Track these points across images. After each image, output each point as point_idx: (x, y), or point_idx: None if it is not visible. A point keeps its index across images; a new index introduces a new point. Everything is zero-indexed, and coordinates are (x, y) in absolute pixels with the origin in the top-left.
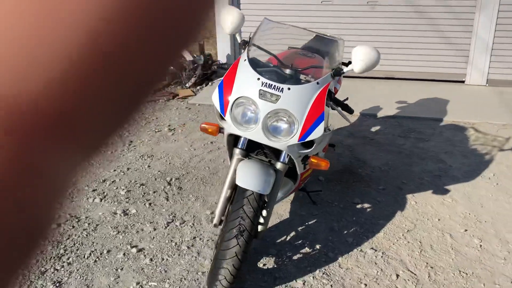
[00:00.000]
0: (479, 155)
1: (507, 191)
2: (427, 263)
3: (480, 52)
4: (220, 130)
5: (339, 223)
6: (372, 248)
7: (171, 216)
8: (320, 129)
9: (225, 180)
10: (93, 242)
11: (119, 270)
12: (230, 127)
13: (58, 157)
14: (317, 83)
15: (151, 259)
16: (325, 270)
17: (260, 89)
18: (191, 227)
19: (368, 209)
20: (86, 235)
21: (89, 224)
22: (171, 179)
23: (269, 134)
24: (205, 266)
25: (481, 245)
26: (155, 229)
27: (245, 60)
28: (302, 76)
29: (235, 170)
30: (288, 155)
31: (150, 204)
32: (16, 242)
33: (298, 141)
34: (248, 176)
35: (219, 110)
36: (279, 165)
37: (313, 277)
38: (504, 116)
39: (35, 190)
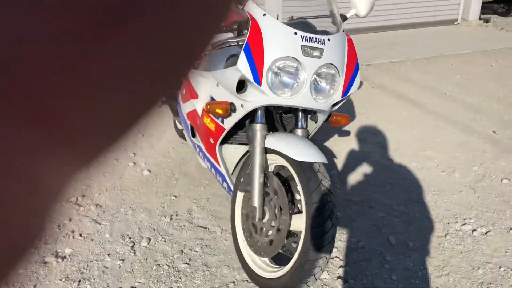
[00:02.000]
0: None
1: None
2: None
3: None
4: (231, 108)
5: None
6: None
7: None
8: (358, 80)
9: (254, 164)
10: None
11: None
12: (265, 97)
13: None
14: (343, 30)
15: None
16: None
17: (302, 45)
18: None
19: None
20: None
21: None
22: None
23: (315, 96)
24: None
25: None
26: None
27: (264, 14)
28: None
29: (263, 149)
30: (306, 118)
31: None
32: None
33: (341, 97)
34: (301, 148)
35: (251, 79)
36: (300, 132)
37: None
38: None
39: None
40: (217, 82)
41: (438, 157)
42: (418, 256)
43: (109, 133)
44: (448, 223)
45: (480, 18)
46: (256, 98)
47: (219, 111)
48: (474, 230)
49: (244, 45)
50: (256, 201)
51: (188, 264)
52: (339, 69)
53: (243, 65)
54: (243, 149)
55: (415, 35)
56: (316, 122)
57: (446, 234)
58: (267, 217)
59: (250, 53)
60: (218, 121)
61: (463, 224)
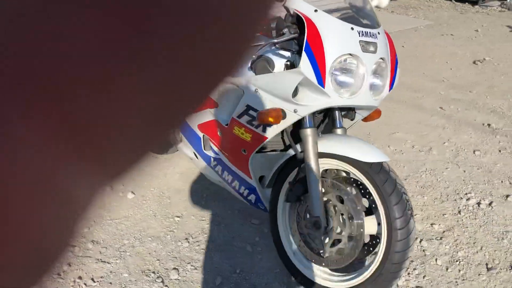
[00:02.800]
0: None
1: None
2: None
3: None
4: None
5: None
6: None
7: None
8: (398, 74)
9: (310, 171)
10: None
11: None
12: (327, 99)
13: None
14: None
15: None
16: None
17: (360, 40)
18: None
19: None
20: None
21: None
22: None
23: (372, 92)
24: None
25: None
26: None
27: (316, 10)
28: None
29: (317, 154)
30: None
31: None
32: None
33: (388, 91)
34: (364, 149)
35: (315, 81)
36: (339, 131)
37: None
38: None
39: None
40: (256, 88)
41: (410, 138)
42: (448, 238)
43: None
44: (455, 200)
45: None
46: (315, 101)
47: (271, 119)
48: (479, 203)
49: (304, 46)
50: (318, 210)
51: None
52: (388, 63)
53: (306, 68)
54: (275, 156)
55: None
56: (352, 119)
57: (459, 211)
58: (330, 225)
59: (312, 53)
60: (258, 130)
61: (468, 199)
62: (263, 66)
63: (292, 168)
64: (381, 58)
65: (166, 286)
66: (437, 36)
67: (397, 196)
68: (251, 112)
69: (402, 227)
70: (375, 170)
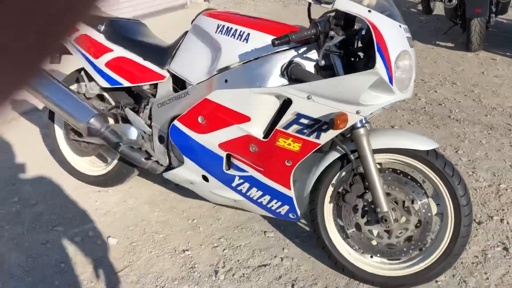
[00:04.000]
0: None
1: None
2: None
3: None
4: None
5: None
6: None
7: None
8: None
9: (369, 169)
10: None
11: None
12: (391, 97)
13: None
14: None
15: None
16: None
17: (406, 37)
18: None
19: None
20: None
21: None
22: None
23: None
24: None
25: None
26: None
27: (369, 11)
28: None
29: (372, 152)
30: None
31: None
32: None
33: None
34: (416, 138)
35: (387, 81)
36: (368, 126)
37: None
38: None
39: None
40: (309, 95)
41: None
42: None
43: None
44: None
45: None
46: (378, 99)
47: (341, 124)
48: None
49: (376, 47)
50: (385, 206)
51: None
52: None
53: (381, 68)
54: (314, 160)
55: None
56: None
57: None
58: (393, 216)
59: (382, 53)
60: (310, 138)
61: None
62: (302, 70)
63: (336, 169)
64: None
65: None
66: None
67: (458, 176)
68: (302, 120)
69: (467, 203)
70: (433, 156)
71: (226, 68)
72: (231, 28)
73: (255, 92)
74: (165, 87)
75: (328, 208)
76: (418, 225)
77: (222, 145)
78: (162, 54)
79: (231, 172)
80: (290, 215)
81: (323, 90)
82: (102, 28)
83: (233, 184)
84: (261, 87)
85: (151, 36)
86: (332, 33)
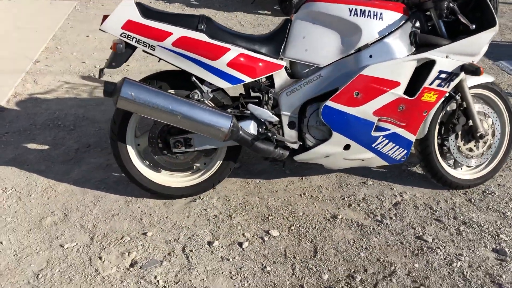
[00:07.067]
0: None
1: None
2: None
3: None
4: None
5: None
6: None
7: None
8: None
9: (470, 104)
10: None
11: None
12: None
13: None
14: None
15: None
16: None
17: None
18: None
19: None
20: None
21: None
22: None
23: None
24: None
25: None
26: None
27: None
28: None
29: (468, 89)
30: None
31: None
32: None
33: None
34: (484, 76)
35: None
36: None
37: None
38: None
39: None
40: (447, 54)
41: None
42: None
43: None
44: None
45: None
46: (485, 48)
47: (483, 71)
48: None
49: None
50: (481, 127)
51: None
52: None
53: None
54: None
55: None
56: None
57: None
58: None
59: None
60: (443, 88)
61: None
62: (429, 37)
63: (439, 110)
64: None
65: None
66: None
67: (506, 97)
68: (442, 75)
69: None
70: (496, 87)
71: (366, 45)
72: (365, 10)
73: (405, 61)
74: (282, 75)
75: (436, 145)
76: (493, 134)
77: (376, 112)
78: (271, 44)
79: (376, 134)
80: (402, 158)
81: (457, 49)
82: (203, 26)
83: (374, 145)
84: (408, 56)
85: (231, 29)
86: (445, 3)
